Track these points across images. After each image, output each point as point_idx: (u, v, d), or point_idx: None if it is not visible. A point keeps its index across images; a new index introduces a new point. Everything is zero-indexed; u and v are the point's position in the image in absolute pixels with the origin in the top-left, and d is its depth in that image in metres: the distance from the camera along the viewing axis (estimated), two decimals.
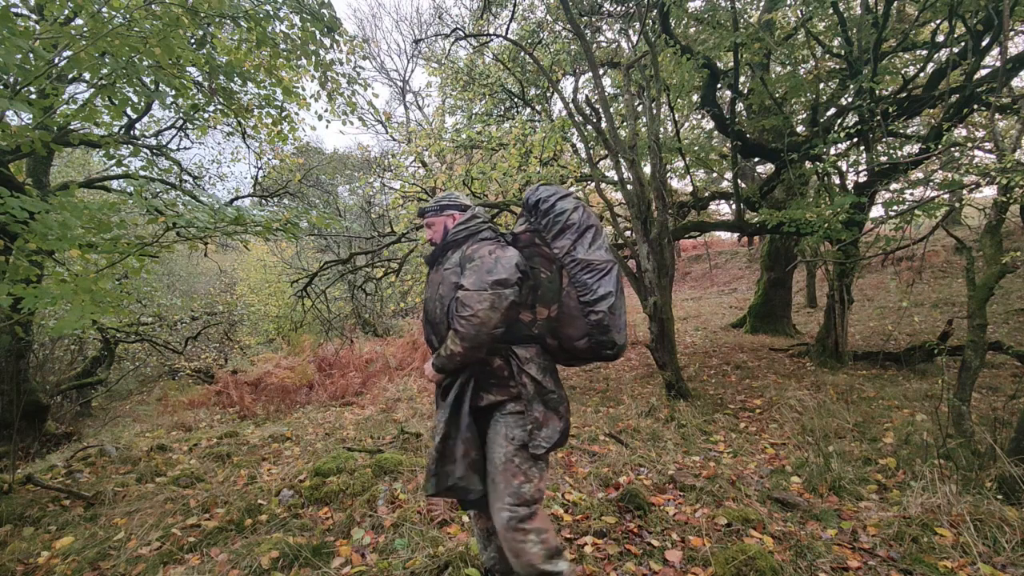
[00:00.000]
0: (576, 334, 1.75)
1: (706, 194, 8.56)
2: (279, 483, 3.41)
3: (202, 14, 3.35)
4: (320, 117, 5.47)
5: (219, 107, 4.59)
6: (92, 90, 3.43)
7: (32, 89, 3.08)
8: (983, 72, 5.58)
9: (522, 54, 7.72)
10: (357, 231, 13.16)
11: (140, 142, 7.13)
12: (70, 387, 7.71)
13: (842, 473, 3.04)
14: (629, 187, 5.11)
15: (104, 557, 2.63)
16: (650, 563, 2.26)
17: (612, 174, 7.39)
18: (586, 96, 7.99)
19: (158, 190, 7.43)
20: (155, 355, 10.67)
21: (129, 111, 6.20)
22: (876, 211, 6.15)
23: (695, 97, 7.25)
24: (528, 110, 8.70)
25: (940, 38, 5.68)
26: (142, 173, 6.23)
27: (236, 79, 3.73)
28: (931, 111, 6.35)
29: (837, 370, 5.94)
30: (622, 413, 4.79)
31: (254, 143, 7.77)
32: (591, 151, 6.64)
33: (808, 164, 6.30)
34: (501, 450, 1.73)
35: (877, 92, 5.59)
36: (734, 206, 7.33)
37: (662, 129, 6.23)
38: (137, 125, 6.99)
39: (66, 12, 3.78)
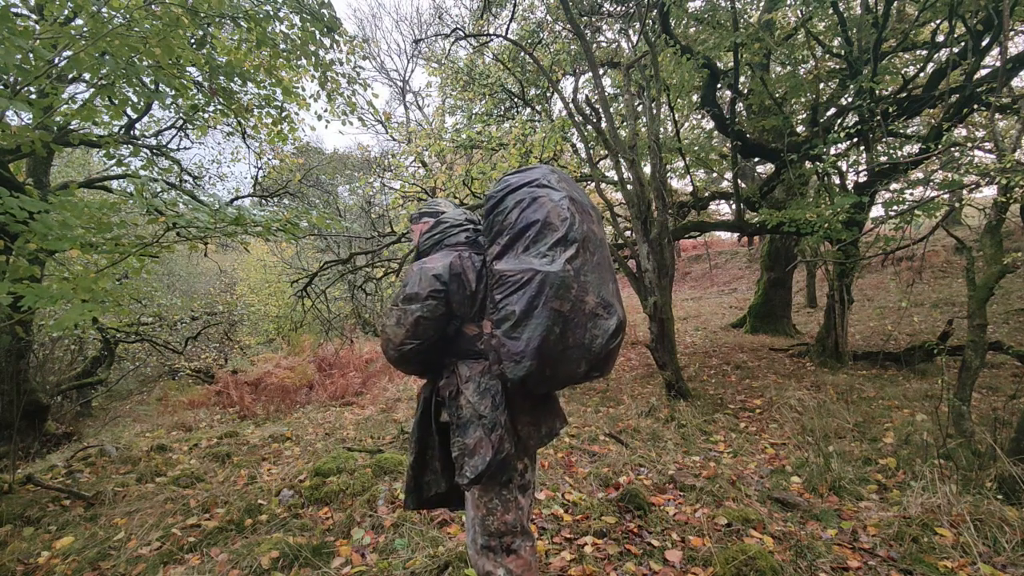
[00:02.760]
0: (493, 357, 1.52)
1: (706, 194, 8.56)
2: (279, 483, 3.41)
3: (202, 14, 3.36)
4: (320, 117, 5.47)
5: (219, 107, 4.59)
6: (92, 90, 3.43)
7: (32, 89, 3.08)
8: (983, 72, 5.58)
9: (522, 54, 7.72)
10: (357, 231, 13.16)
11: (140, 142, 7.13)
12: (70, 387, 7.71)
13: (842, 473, 3.04)
14: (629, 187, 5.11)
15: (104, 557, 2.63)
16: (650, 563, 2.26)
17: (612, 174, 7.39)
18: (586, 96, 7.99)
19: (158, 190, 7.44)
20: (155, 355, 10.67)
21: (129, 111, 6.20)
22: (876, 211, 6.15)
23: (695, 97, 7.25)
24: (528, 110, 8.69)
25: (940, 38, 5.68)
26: (142, 173, 6.24)
27: (236, 79, 3.73)
28: (931, 111, 6.35)
29: (837, 370, 5.94)
30: (622, 413, 4.79)
31: (254, 143, 7.78)
32: (591, 151, 6.64)
33: (808, 164, 6.30)
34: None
35: (877, 92, 5.59)
36: (734, 206, 7.33)
37: (662, 129, 6.23)
38: (137, 125, 6.99)
39: (66, 12, 3.78)
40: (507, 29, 7.35)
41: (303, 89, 5.79)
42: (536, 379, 1.44)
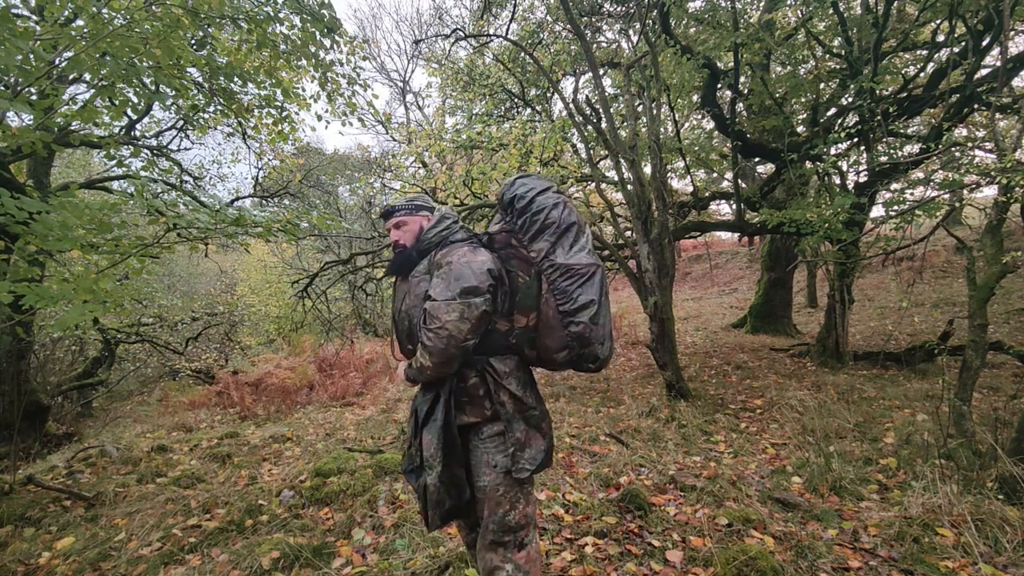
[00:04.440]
0: (555, 345, 1.59)
1: (706, 194, 8.56)
2: (280, 483, 3.41)
3: (202, 15, 3.36)
4: (320, 118, 5.48)
5: (219, 108, 4.60)
6: (92, 91, 3.44)
7: (33, 90, 3.09)
8: (983, 72, 5.57)
9: (522, 54, 7.72)
10: (358, 231, 13.16)
11: (140, 143, 7.13)
12: (71, 388, 7.71)
13: (843, 473, 3.04)
14: (629, 187, 5.11)
15: (105, 558, 2.63)
16: (651, 563, 2.26)
17: (612, 174, 7.39)
18: (586, 96, 7.99)
19: (159, 191, 7.44)
20: (156, 356, 10.67)
21: (129, 112, 6.21)
22: (876, 211, 6.15)
23: (695, 97, 7.25)
24: (528, 110, 8.69)
25: (940, 38, 5.68)
26: (143, 174, 6.25)
27: (236, 80, 3.73)
28: (931, 111, 6.35)
29: (838, 370, 5.93)
30: (623, 413, 4.79)
31: (254, 144, 7.77)
32: (591, 151, 6.64)
33: (808, 164, 6.30)
34: (486, 478, 1.61)
35: (877, 92, 5.59)
36: (734, 206, 7.33)
37: (662, 129, 6.23)
38: (137, 126, 7.00)
39: (66, 13, 3.78)
40: (507, 29, 7.35)
41: (303, 90, 5.79)
42: (608, 359, 1.63)
